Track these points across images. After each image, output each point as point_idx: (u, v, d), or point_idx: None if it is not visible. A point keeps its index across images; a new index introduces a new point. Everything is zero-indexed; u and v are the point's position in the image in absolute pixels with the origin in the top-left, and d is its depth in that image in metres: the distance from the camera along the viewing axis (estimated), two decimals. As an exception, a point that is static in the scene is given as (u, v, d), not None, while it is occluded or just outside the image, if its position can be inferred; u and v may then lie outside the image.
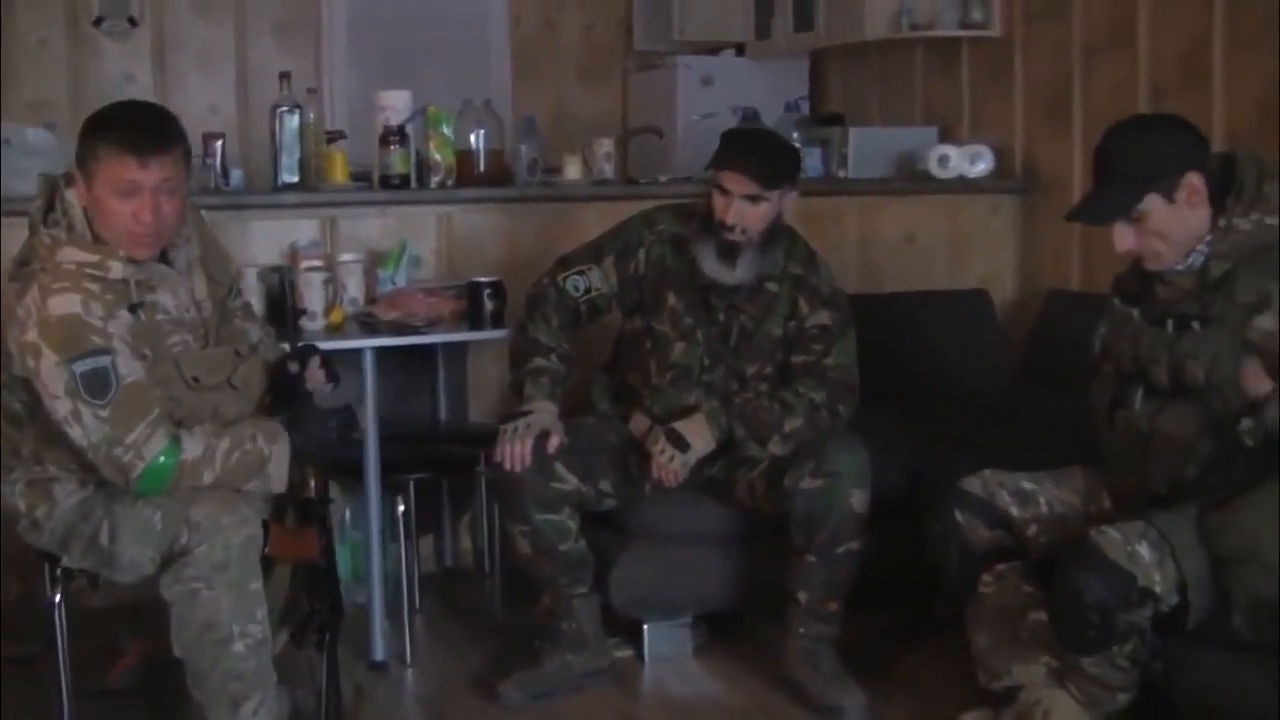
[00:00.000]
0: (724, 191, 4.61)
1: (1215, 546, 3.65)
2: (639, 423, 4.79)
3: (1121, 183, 3.80)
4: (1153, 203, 3.76)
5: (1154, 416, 3.88)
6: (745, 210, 4.59)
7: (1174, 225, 3.78)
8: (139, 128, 3.81)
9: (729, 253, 4.63)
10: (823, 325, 4.75)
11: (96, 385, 3.67)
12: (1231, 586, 3.64)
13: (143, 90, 7.72)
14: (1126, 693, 3.82)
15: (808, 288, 4.77)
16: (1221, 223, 3.79)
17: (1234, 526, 3.63)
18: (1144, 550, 3.63)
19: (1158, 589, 3.63)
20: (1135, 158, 3.80)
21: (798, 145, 6.69)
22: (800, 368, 4.73)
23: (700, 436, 4.61)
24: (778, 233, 4.71)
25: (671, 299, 4.77)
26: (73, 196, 3.83)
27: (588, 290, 4.81)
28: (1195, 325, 3.80)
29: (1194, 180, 3.77)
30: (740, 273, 4.66)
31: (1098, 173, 3.89)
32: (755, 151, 4.67)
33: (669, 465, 4.58)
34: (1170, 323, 3.85)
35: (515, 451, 4.53)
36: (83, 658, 4.19)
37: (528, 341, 4.76)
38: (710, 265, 4.66)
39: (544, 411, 4.63)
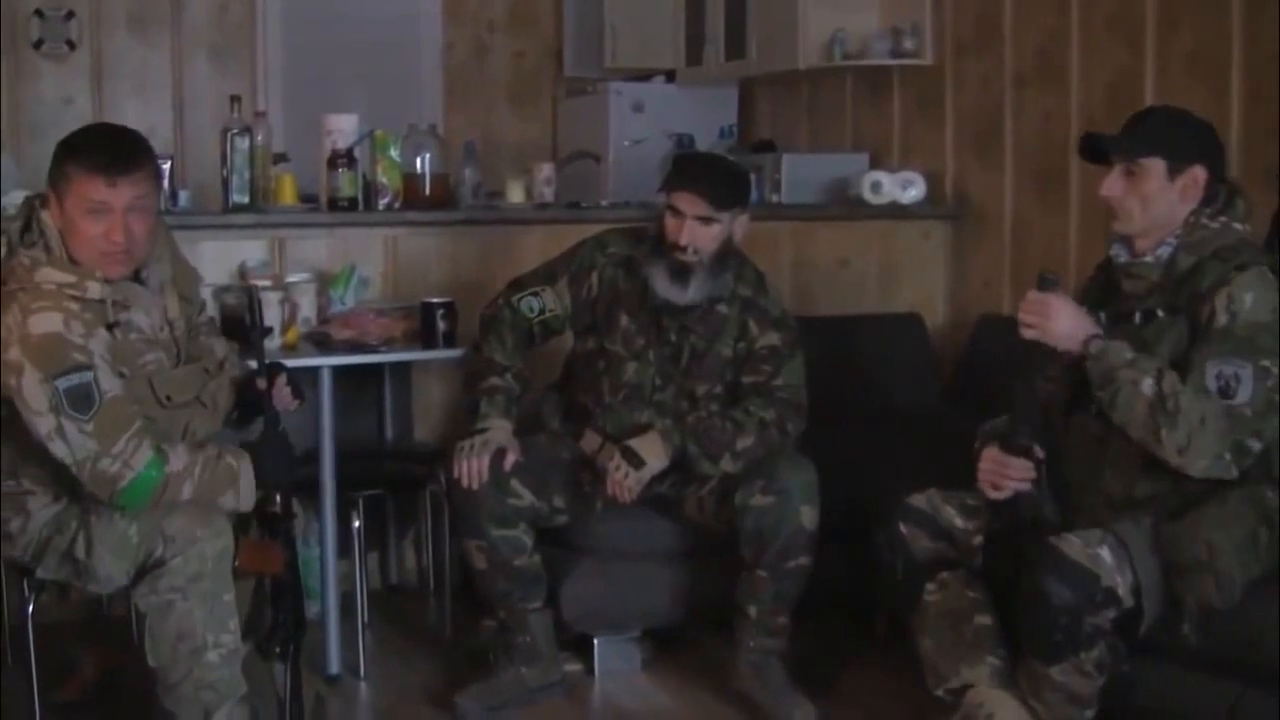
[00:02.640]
0: (677, 213, 4.70)
1: (1171, 555, 3.77)
2: (590, 440, 4.87)
3: (1143, 133, 3.99)
4: (1156, 166, 3.93)
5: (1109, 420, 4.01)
6: (698, 231, 4.68)
7: (1159, 201, 3.94)
8: (107, 149, 3.89)
9: (681, 273, 4.73)
10: (772, 346, 4.85)
11: (80, 400, 3.73)
12: (1184, 595, 3.76)
13: (80, 113, 7.77)
14: (1090, 708, 3.89)
15: (757, 310, 4.87)
16: (1192, 219, 3.95)
17: (1190, 536, 3.75)
18: (1105, 553, 3.74)
19: (1120, 590, 3.74)
20: (1166, 126, 4.01)
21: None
22: (750, 388, 4.82)
23: (654, 454, 4.69)
24: (728, 255, 4.80)
25: (624, 320, 4.85)
26: (48, 218, 3.90)
27: (542, 311, 4.89)
28: (1160, 313, 3.94)
29: (1199, 174, 3.94)
30: (692, 293, 4.75)
31: (1130, 121, 4.07)
32: (708, 174, 4.78)
33: (624, 482, 4.66)
34: (1138, 316, 3.99)
35: (472, 467, 4.61)
36: (39, 672, 4.22)
37: (482, 361, 4.84)
38: (662, 286, 4.75)
39: (499, 429, 4.71)
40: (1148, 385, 3.79)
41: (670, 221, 4.73)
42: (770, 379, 4.82)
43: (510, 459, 4.66)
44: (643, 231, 4.94)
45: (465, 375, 4.93)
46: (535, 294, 4.90)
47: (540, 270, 4.99)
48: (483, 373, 4.81)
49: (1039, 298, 3.94)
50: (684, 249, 4.70)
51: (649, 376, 4.84)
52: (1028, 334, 3.96)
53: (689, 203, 4.69)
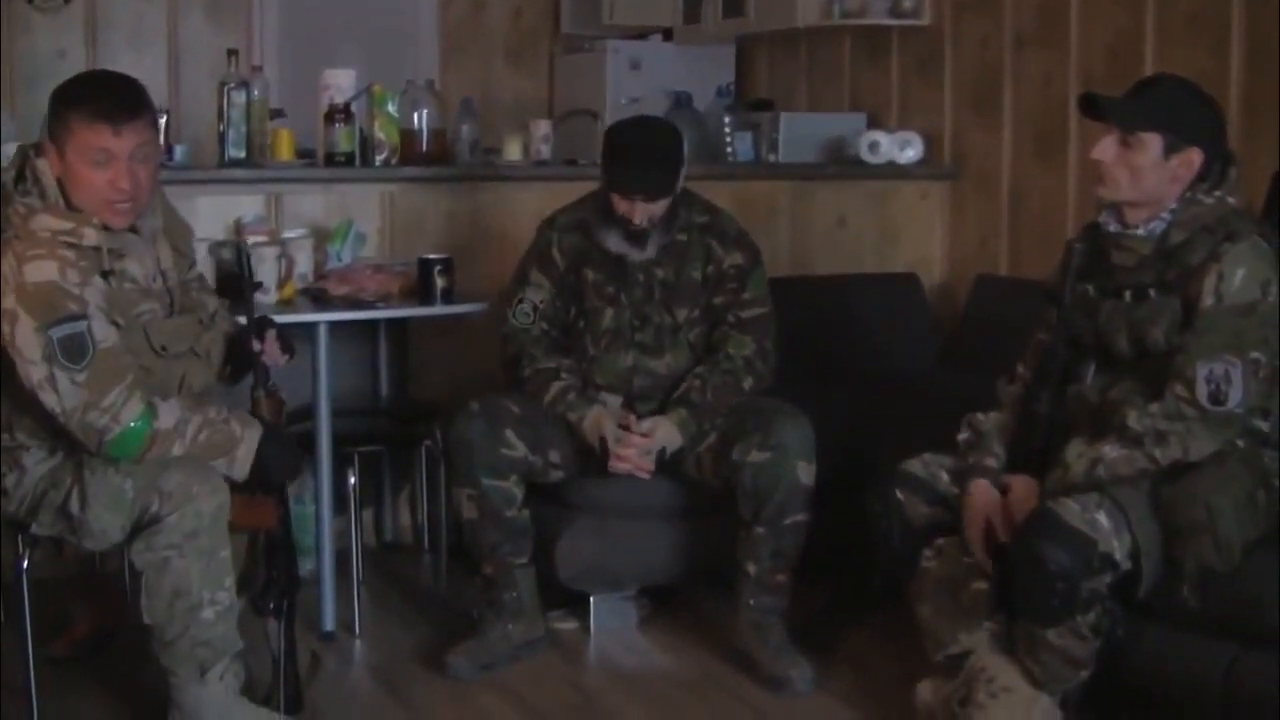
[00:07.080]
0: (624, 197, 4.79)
1: (1170, 518, 3.76)
2: (592, 431, 4.82)
3: (1147, 105, 3.92)
4: (1153, 142, 3.88)
5: (1105, 391, 4.00)
6: (648, 209, 4.79)
7: (1150, 176, 3.89)
8: (111, 96, 3.87)
9: (636, 238, 4.83)
10: (736, 265, 4.95)
11: (74, 350, 3.71)
12: (1183, 558, 3.75)
13: (74, 66, 7.63)
14: (1086, 669, 3.88)
15: (716, 232, 4.97)
16: (1187, 195, 3.92)
17: (1189, 499, 3.73)
18: (1102, 518, 3.72)
19: (1117, 555, 3.73)
20: (1172, 101, 3.94)
21: (727, 131, 6.86)
22: (721, 309, 4.92)
23: (669, 438, 4.78)
24: (677, 201, 4.88)
25: (591, 275, 4.93)
26: (44, 166, 3.87)
27: (535, 309, 4.95)
28: (1152, 293, 3.92)
29: (1194, 157, 3.89)
30: (650, 251, 4.87)
31: (1135, 87, 4.02)
32: (644, 173, 4.79)
33: (640, 460, 4.76)
34: (1128, 293, 3.97)
35: (628, 459, 4.77)
36: (33, 628, 4.19)
37: (537, 377, 4.88)
38: (617, 245, 4.85)
39: (592, 416, 4.81)
40: (1108, 449, 3.84)
41: (620, 203, 4.80)
42: (739, 294, 4.92)
43: (628, 419, 4.81)
44: (585, 197, 5.03)
45: (532, 396, 4.90)
46: (520, 300, 4.98)
47: (514, 275, 5.08)
48: (544, 386, 4.87)
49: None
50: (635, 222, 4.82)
51: (626, 320, 4.91)
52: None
53: (636, 207, 4.78)
